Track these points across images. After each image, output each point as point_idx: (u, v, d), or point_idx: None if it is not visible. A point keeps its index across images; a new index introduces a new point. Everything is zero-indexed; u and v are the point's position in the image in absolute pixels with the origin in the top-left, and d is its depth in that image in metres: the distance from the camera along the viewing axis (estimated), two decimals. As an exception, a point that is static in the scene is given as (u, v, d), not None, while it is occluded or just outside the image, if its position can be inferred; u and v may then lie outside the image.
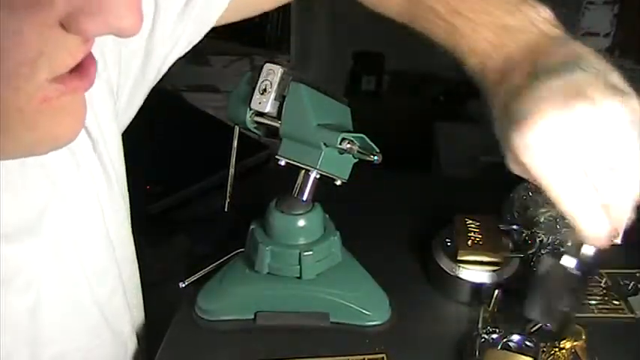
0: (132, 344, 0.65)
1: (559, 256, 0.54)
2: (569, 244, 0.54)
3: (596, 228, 0.47)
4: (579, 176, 0.45)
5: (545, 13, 0.51)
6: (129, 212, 0.62)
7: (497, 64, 0.49)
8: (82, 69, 0.35)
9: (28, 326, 0.51)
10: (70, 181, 0.54)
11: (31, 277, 0.51)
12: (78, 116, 0.37)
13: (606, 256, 0.52)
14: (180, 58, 0.64)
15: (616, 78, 0.46)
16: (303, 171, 0.63)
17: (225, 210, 0.70)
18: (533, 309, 0.56)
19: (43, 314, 0.52)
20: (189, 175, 1.59)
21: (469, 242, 0.69)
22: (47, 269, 0.52)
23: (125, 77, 0.59)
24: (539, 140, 0.44)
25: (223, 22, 0.63)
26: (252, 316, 0.66)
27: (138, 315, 0.67)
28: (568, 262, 0.53)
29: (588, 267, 0.53)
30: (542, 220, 0.76)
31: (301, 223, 0.64)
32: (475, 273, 0.69)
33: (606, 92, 0.43)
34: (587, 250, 0.52)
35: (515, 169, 0.48)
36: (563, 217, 0.75)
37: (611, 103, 0.43)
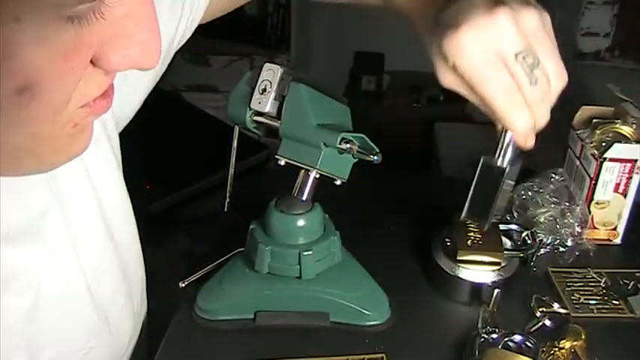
0: (131, 345, 0.65)
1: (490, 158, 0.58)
2: (498, 147, 0.57)
3: (522, 122, 0.52)
4: (507, 75, 0.50)
5: None
6: (132, 213, 0.62)
7: None
8: (104, 91, 0.39)
9: (26, 328, 0.51)
10: (72, 183, 0.54)
11: (29, 279, 0.51)
12: (91, 132, 0.41)
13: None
14: (180, 59, 0.63)
15: None
16: (303, 171, 0.63)
17: (225, 210, 0.70)
18: (468, 210, 0.59)
19: (41, 316, 0.52)
20: (189, 174, 1.59)
21: (469, 242, 0.70)
22: (46, 271, 0.52)
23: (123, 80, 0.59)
24: (470, 41, 0.49)
25: (209, 18, 0.66)
26: (252, 316, 0.67)
27: (140, 316, 0.67)
28: (494, 161, 0.57)
29: (512, 165, 0.57)
30: (542, 220, 0.76)
31: (301, 222, 0.64)
32: (475, 273, 0.69)
33: (522, 2, 0.49)
34: (511, 149, 0.56)
35: (446, 79, 0.53)
36: (563, 217, 0.75)
37: (528, 10, 0.49)
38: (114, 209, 0.59)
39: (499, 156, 0.57)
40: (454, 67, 0.51)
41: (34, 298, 0.51)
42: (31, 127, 0.36)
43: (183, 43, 0.65)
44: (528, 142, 0.54)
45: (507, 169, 0.57)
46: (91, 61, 0.35)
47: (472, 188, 0.59)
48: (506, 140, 0.55)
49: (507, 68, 0.50)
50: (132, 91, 0.62)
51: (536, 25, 0.50)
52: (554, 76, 0.51)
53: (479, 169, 0.58)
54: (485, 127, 0.64)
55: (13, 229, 0.49)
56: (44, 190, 0.52)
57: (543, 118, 0.53)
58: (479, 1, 0.49)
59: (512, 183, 0.60)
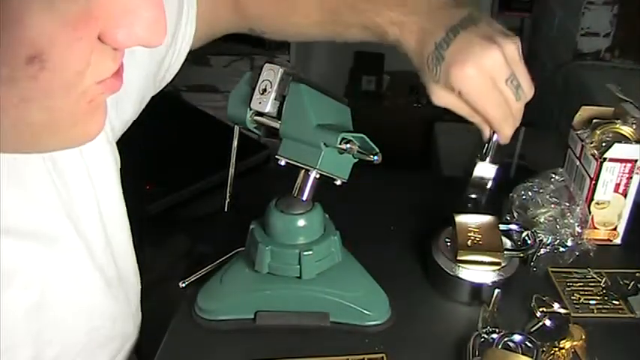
0: (132, 344, 0.65)
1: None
2: (484, 151, 0.71)
3: (511, 128, 0.67)
4: (500, 96, 0.63)
5: None
6: (127, 221, 0.63)
7: (413, 26, 0.65)
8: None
9: (32, 323, 0.52)
10: (77, 181, 0.55)
11: (34, 275, 0.51)
12: (105, 112, 0.42)
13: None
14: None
15: (497, 24, 0.65)
16: (303, 171, 0.63)
17: (225, 210, 0.70)
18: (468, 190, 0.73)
19: (47, 313, 0.52)
20: (189, 174, 1.59)
21: (469, 242, 0.70)
22: (52, 269, 0.53)
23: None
24: (473, 73, 0.61)
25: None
26: (252, 316, 0.66)
27: (138, 315, 0.67)
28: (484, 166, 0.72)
29: (499, 161, 0.71)
30: (542, 220, 0.76)
31: (301, 222, 0.64)
32: (475, 273, 0.69)
33: (504, 36, 0.63)
34: (496, 150, 0.70)
35: (441, 100, 0.66)
36: (563, 217, 0.75)
37: (510, 44, 0.62)
38: (110, 214, 0.59)
39: (487, 154, 0.70)
40: (459, 94, 0.63)
41: (40, 293, 0.52)
42: (45, 100, 0.36)
43: (172, 73, 0.70)
44: (508, 141, 0.68)
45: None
46: (99, 38, 0.36)
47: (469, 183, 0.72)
48: (493, 141, 0.69)
49: (499, 90, 0.63)
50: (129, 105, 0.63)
51: (516, 54, 0.63)
52: (528, 91, 0.65)
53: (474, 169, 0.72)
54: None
55: (19, 224, 0.50)
56: (54, 188, 0.52)
57: (519, 123, 0.67)
58: (475, 39, 0.61)
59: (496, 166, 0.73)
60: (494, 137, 0.69)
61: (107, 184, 0.59)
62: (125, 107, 0.62)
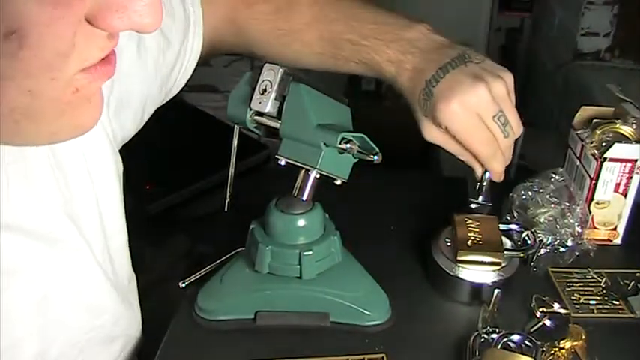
0: (134, 345, 0.65)
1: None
2: (477, 189, 0.73)
3: (500, 165, 0.69)
4: (488, 133, 0.65)
5: (426, 26, 0.69)
6: (125, 224, 0.63)
7: (408, 65, 0.67)
8: (106, 57, 0.38)
9: (37, 320, 0.52)
10: (78, 182, 0.55)
11: (38, 272, 0.52)
12: (98, 106, 0.41)
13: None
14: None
15: (490, 62, 0.67)
16: (303, 171, 0.63)
17: (225, 210, 0.70)
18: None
19: (51, 310, 0.53)
20: (189, 175, 1.59)
21: (469, 242, 0.70)
22: (55, 266, 0.53)
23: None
24: (459, 110, 0.64)
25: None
26: (252, 316, 0.66)
27: (140, 317, 0.67)
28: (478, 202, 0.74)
29: (489, 197, 0.74)
30: (542, 220, 0.76)
31: (301, 222, 0.64)
32: (475, 273, 0.69)
33: (493, 75, 0.65)
34: (486, 187, 0.73)
35: (431, 135, 0.69)
36: (563, 217, 0.75)
37: (498, 82, 0.64)
38: (110, 216, 0.60)
39: (480, 194, 0.73)
40: (446, 129, 0.65)
41: (44, 290, 0.52)
42: (25, 80, 0.35)
43: (179, 85, 0.72)
44: (501, 178, 0.71)
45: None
46: (90, 22, 0.35)
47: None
48: (485, 179, 0.72)
49: (487, 127, 0.65)
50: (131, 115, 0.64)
51: (504, 92, 0.65)
52: (516, 129, 0.67)
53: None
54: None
55: (23, 220, 0.50)
56: (53, 184, 0.53)
57: (509, 160, 0.70)
58: (463, 77, 0.64)
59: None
60: (487, 175, 0.71)
61: (108, 187, 0.59)
62: (126, 114, 0.63)
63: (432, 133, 0.68)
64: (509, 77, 0.66)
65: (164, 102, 0.71)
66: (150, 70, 0.64)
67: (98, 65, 0.38)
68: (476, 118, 0.64)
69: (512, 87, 0.66)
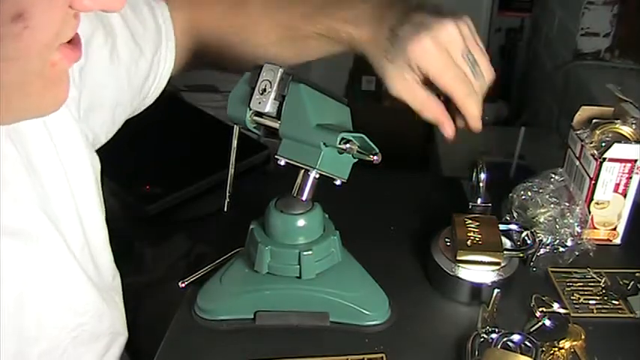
0: (122, 342, 0.65)
1: None
2: (474, 192, 0.74)
3: (475, 106, 0.65)
4: (460, 70, 0.63)
5: None
6: (105, 225, 0.63)
7: (365, 18, 0.65)
8: (73, 40, 0.43)
9: (12, 321, 0.52)
10: (53, 181, 0.55)
11: (12, 272, 0.51)
12: (66, 88, 0.44)
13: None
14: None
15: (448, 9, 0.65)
16: (303, 171, 0.63)
17: (225, 210, 0.70)
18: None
19: (28, 310, 0.53)
20: (189, 175, 1.59)
21: (469, 242, 0.70)
22: (32, 265, 0.53)
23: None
24: (430, 44, 0.61)
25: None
26: (252, 316, 0.67)
27: (124, 314, 0.67)
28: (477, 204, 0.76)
29: (487, 197, 0.76)
30: (542, 220, 0.76)
31: (301, 222, 0.64)
32: (475, 273, 0.69)
33: (454, 16, 0.63)
34: (483, 187, 0.74)
35: (397, 87, 0.65)
36: (562, 217, 0.75)
37: (463, 20, 0.63)
38: (88, 215, 0.60)
39: (477, 195, 0.75)
40: (418, 68, 0.63)
41: (19, 290, 0.52)
42: (24, 61, 0.39)
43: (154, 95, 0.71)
44: (479, 125, 0.67)
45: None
46: (69, 4, 0.39)
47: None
48: (481, 181, 0.73)
49: (457, 64, 0.63)
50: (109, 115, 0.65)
51: (470, 31, 0.64)
52: (487, 72, 0.65)
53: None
54: (484, 127, 0.66)
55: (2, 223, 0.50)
56: (27, 183, 0.53)
57: (481, 103, 0.66)
58: (428, 18, 0.62)
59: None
60: (482, 176, 0.73)
61: (84, 185, 0.59)
62: (95, 119, 0.63)
63: (397, 85, 0.65)
64: (469, 20, 0.65)
65: (135, 114, 0.71)
66: (122, 78, 0.65)
67: (67, 47, 0.42)
68: (446, 54, 0.62)
69: (474, 30, 0.65)
